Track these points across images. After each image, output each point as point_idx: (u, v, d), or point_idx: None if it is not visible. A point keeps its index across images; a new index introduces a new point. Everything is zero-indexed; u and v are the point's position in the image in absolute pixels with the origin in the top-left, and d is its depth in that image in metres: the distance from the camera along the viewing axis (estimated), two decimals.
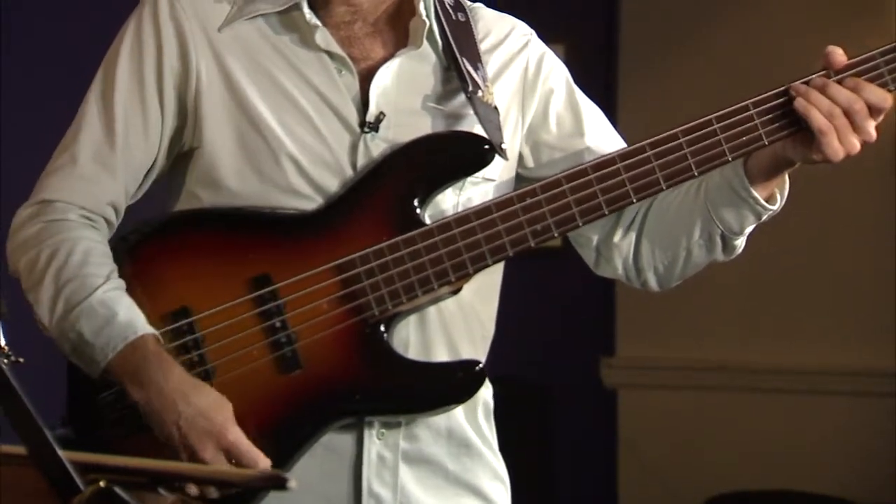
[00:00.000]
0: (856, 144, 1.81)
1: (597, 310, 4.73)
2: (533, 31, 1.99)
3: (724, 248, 1.92)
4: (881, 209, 4.50)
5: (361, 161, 1.84)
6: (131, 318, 1.78)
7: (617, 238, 1.95)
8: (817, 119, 1.79)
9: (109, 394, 1.82)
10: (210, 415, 1.76)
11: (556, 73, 1.97)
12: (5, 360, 2.58)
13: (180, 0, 1.86)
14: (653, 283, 1.97)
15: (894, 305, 4.48)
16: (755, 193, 1.86)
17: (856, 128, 1.80)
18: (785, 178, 1.88)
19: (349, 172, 1.84)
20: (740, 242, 1.92)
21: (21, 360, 2.55)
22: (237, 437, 1.75)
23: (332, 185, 1.83)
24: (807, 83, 1.82)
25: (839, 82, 1.81)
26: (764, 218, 1.89)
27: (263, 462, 1.75)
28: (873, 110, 1.81)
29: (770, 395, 4.54)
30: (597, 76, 4.39)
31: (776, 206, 1.88)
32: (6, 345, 2.59)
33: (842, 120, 1.79)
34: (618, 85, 4.59)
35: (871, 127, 1.81)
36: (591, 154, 1.93)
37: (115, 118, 1.85)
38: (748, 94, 1.86)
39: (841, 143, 1.80)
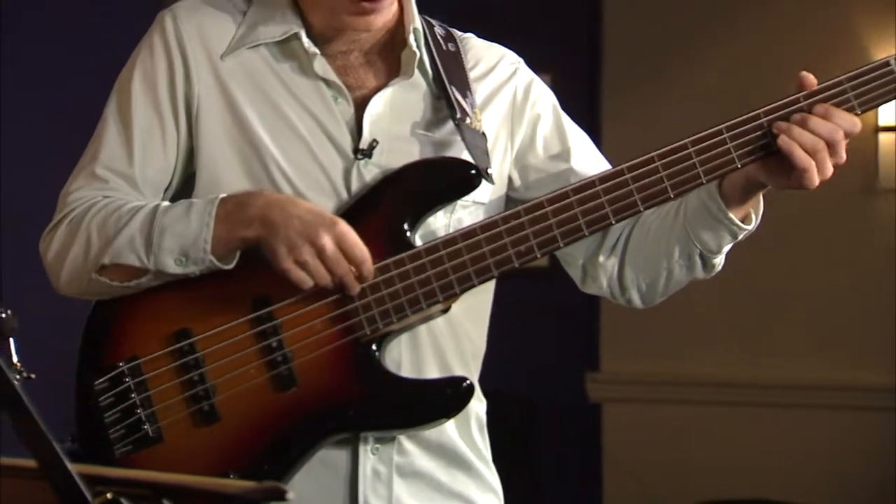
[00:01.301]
0: (831, 170, 1.82)
1: (582, 327, 4.75)
2: (521, 60, 2.01)
3: (704, 267, 1.93)
4: (860, 224, 4.52)
5: (355, 186, 1.86)
6: (202, 197, 1.82)
7: (602, 258, 1.97)
8: (801, 157, 1.80)
9: (115, 412, 1.84)
10: (317, 210, 1.79)
11: (543, 98, 1.99)
12: (17, 376, 2.59)
13: (186, 26, 1.88)
14: (637, 300, 1.99)
15: (865, 319, 4.50)
16: (731, 215, 1.87)
17: (833, 154, 1.82)
18: (759, 198, 1.90)
19: (344, 196, 1.86)
20: (719, 260, 1.94)
21: (32, 375, 2.56)
22: (347, 226, 1.78)
23: (327, 208, 1.84)
24: (787, 119, 1.83)
25: (810, 109, 1.83)
26: (740, 237, 1.90)
27: (366, 253, 1.78)
28: (845, 135, 1.83)
29: (749, 408, 4.55)
30: (581, 103, 4.41)
31: (751, 226, 1.90)
32: (18, 361, 2.60)
33: (823, 153, 1.81)
34: (601, 111, 4.62)
35: (843, 151, 1.83)
36: (577, 175, 1.94)
37: (134, 136, 1.87)
38: (724, 119, 1.87)
39: (819, 174, 1.82)
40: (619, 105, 4.62)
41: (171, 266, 1.80)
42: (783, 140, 1.81)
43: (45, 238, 1.89)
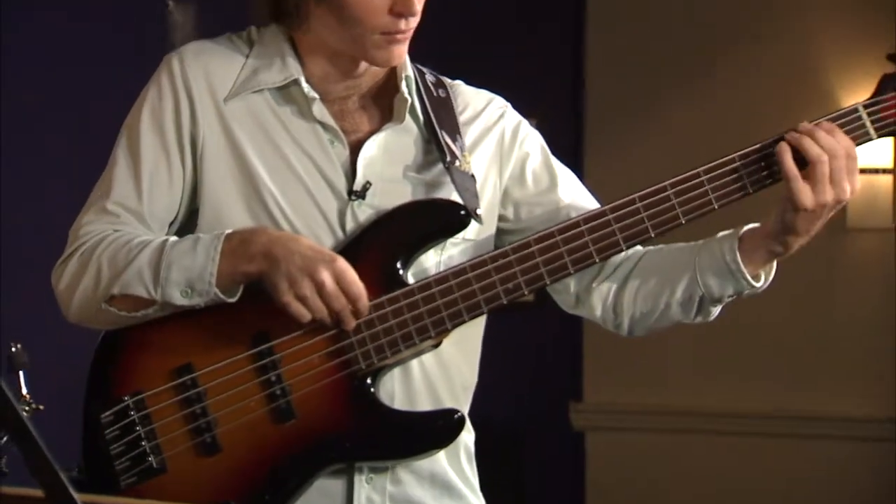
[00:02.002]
0: (830, 193, 1.80)
1: (566, 358, 4.74)
2: (508, 104, 2.02)
3: (699, 312, 1.92)
4: (831, 261, 4.53)
5: (350, 225, 1.86)
6: (205, 231, 1.82)
7: (597, 282, 1.97)
8: (812, 150, 1.81)
9: (121, 444, 1.83)
10: (317, 247, 1.79)
11: (531, 138, 2.00)
12: (26, 408, 2.57)
13: (192, 69, 1.88)
14: (625, 327, 1.97)
15: (836, 352, 4.52)
16: (743, 268, 1.86)
17: (833, 170, 1.80)
18: (773, 264, 1.89)
19: (339, 235, 1.86)
20: (715, 311, 1.93)
21: (41, 406, 2.54)
22: (346, 263, 1.78)
23: (324, 246, 1.84)
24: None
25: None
26: (745, 294, 1.89)
27: (363, 290, 1.78)
28: (846, 156, 1.82)
29: (728, 437, 4.55)
30: (566, 146, 4.42)
31: (759, 285, 1.89)
32: (28, 393, 2.58)
33: (825, 164, 1.80)
34: (584, 154, 4.63)
35: (843, 176, 1.81)
36: (567, 207, 1.95)
37: (142, 173, 1.87)
38: (701, 161, 1.88)
39: (820, 190, 1.80)
40: (601, 147, 4.65)
41: (178, 298, 1.80)
42: (791, 136, 1.82)
43: (57, 269, 1.89)
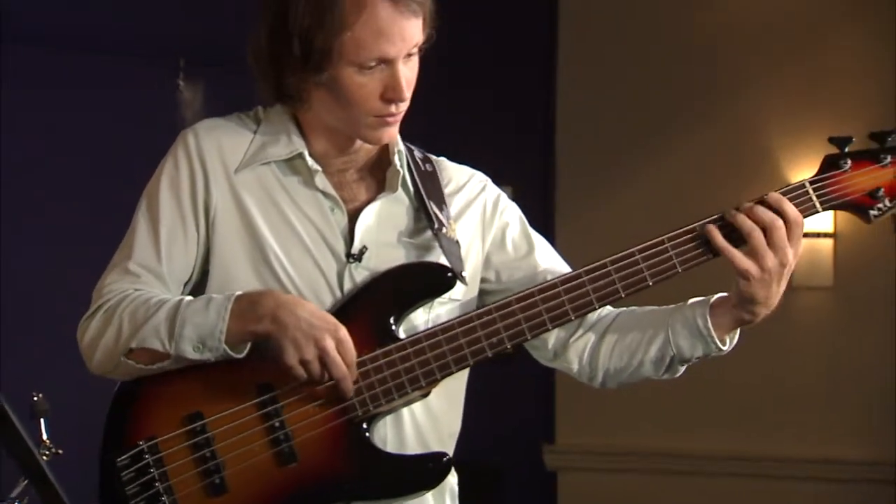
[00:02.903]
0: (772, 258, 1.83)
1: (539, 403, 4.74)
2: (488, 178, 2.06)
3: (668, 370, 1.96)
4: (780, 316, 4.58)
5: (347, 285, 1.89)
6: (220, 292, 1.83)
7: (573, 339, 1.99)
8: (745, 224, 1.84)
9: (136, 485, 1.84)
10: (321, 314, 1.80)
11: (510, 209, 2.04)
12: (46, 452, 2.56)
13: (205, 143, 1.91)
14: (599, 380, 2.00)
15: (789, 397, 4.54)
16: (714, 334, 1.90)
17: (771, 238, 1.83)
18: (738, 331, 1.93)
19: (337, 294, 1.88)
20: (682, 369, 1.97)
21: (60, 451, 2.53)
22: (346, 332, 1.80)
23: (323, 305, 1.87)
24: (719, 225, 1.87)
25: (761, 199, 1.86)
26: (711, 356, 1.93)
27: (355, 358, 1.80)
28: (787, 224, 1.84)
29: (690, 477, 4.56)
30: (538, 214, 4.45)
31: (726, 348, 1.93)
32: (48, 438, 2.57)
33: (759, 236, 1.83)
34: (555, 222, 4.66)
35: (783, 239, 1.84)
36: (544, 271, 1.98)
37: (161, 237, 1.89)
38: (666, 228, 1.91)
39: (760, 259, 1.83)
40: (571, 215, 4.68)
41: (190, 352, 1.82)
42: (729, 215, 1.85)
43: (82, 325, 1.90)
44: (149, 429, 1.85)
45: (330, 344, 1.78)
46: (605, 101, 4.67)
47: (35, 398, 2.52)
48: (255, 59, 1.88)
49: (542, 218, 4.47)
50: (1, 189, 3.88)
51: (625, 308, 2.00)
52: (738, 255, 1.84)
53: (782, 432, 4.51)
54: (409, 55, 1.84)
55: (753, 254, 1.84)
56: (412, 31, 1.82)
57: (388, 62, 1.82)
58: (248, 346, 1.82)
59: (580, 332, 2.00)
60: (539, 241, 2.04)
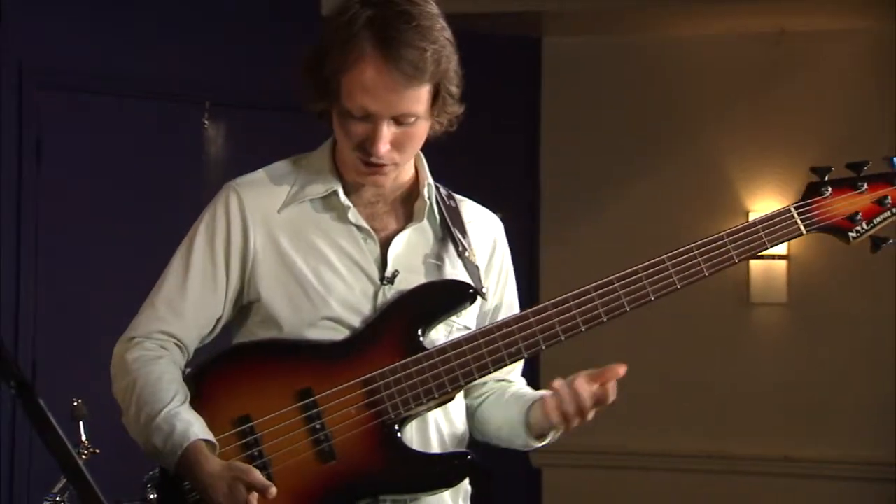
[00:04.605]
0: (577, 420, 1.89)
1: None
2: (498, 219, 2.03)
3: (525, 448, 1.99)
4: (738, 328, 4.61)
5: (380, 304, 1.88)
6: (185, 429, 1.80)
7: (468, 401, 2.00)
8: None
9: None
10: (218, 473, 1.78)
11: (506, 256, 2.02)
12: (84, 452, 2.53)
13: (246, 196, 1.90)
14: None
15: (745, 400, 4.56)
16: (531, 440, 1.95)
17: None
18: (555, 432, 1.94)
19: (370, 310, 1.88)
20: (538, 445, 1.98)
21: (97, 451, 2.50)
22: (241, 471, 1.77)
23: (357, 321, 1.87)
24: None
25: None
26: (533, 448, 1.97)
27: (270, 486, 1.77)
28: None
29: (661, 473, 4.57)
30: (523, 243, 4.44)
31: (545, 442, 1.95)
32: (86, 439, 2.53)
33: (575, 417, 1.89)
34: (539, 250, 4.66)
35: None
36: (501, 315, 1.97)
37: (190, 278, 1.89)
38: (642, 252, 1.89)
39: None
40: (554, 244, 4.68)
41: (149, 448, 1.83)
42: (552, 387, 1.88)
43: (116, 351, 1.90)
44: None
45: (244, 494, 1.76)
46: (584, 136, 4.74)
47: (75, 403, 2.52)
48: (304, 70, 1.86)
49: (526, 243, 4.48)
50: (49, 212, 3.94)
51: (493, 394, 2.00)
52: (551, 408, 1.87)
53: (744, 432, 4.56)
54: (403, 119, 1.81)
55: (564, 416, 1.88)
56: (401, 96, 1.79)
57: (371, 116, 1.80)
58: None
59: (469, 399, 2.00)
60: (511, 286, 2.02)
